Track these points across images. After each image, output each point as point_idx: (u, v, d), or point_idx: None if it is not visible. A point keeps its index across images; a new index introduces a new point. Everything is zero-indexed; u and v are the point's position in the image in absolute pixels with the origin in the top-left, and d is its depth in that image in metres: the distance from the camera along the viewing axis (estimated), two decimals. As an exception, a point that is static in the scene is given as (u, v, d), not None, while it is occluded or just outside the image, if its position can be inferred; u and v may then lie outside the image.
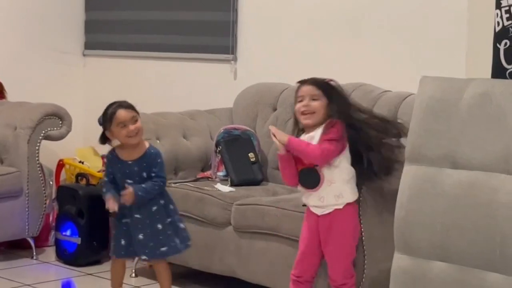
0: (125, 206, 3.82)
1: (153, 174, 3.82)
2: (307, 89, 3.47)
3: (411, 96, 4.09)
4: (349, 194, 3.48)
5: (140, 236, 3.82)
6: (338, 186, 3.45)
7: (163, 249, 3.84)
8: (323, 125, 3.44)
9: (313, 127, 3.46)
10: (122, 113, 3.78)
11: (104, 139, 3.86)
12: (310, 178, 3.45)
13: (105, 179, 3.90)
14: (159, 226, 3.83)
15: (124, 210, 3.84)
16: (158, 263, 3.91)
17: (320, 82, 3.49)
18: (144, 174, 3.82)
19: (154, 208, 3.83)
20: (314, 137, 3.44)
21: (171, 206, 3.88)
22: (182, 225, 3.89)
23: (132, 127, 3.78)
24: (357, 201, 3.54)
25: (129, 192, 3.74)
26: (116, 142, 3.88)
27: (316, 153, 3.39)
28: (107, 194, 3.82)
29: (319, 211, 3.49)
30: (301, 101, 3.47)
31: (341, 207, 3.47)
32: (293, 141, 3.42)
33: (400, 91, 4.23)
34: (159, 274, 3.93)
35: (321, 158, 3.40)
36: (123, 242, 3.86)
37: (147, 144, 3.88)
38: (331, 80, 3.53)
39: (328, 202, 3.46)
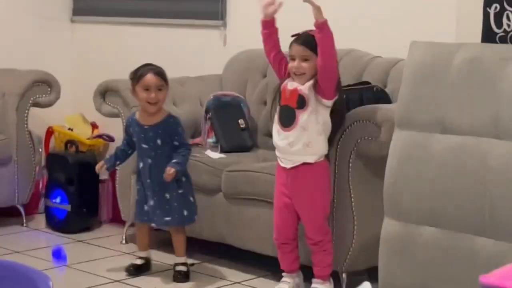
0: (140, 171, 3.89)
1: (176, 143, 3.87)
2: (298, 49, 3.52)
3: (401, 62, 4.08)
4: (319, 145, 3.52)
5: (151, 202, 3.88)
6: (310, 135, 3.49)
7: (167, 218, 3.88)
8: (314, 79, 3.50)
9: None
10: (150, 77, 3.84)
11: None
12: (286, 115, 3.52)
13: (121, 147, 4.01)
14: (167, 195, 3.86)
15: (139, 175, 3.92)
16: (174, 231, 3.97)
17: (310, 41, 3.49)
18: (159, 141, 3.86)
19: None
20: (303, 88, 3.50)
21: (184, 178, 3.90)
22: (192, 199, 3.93)
23: (153, 94, 3.83)
24: (328, 158, 3.57)
25: (172, 172, 3.78)
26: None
27: (333, 54, 3.46)
28: (105, 160, 4.03)
29: (288, 164, 3.54)
30: (293, 59, 3.52)
31: (309, 160, 3.51)
32: (328, 27, 3.43)
33: (390, 57, 4.22)
34: (175, 242, 3.98)
35: (334, 63, 3.47)
36: (146, 207, 3.92)
37: (166, 112, 3.93)
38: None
39: (296, 148, 3.50)
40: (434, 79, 3.14)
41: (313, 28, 3.49)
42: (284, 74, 3.61)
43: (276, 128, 3.58)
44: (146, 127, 3.87)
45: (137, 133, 3.90)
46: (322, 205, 3.58)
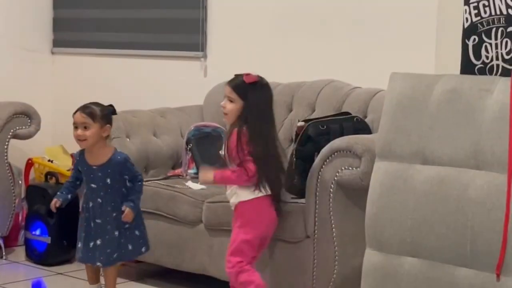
0: (87, 210, 3.81)
1: (127, 177, 3.80)
2: (227, 89, 3.65)
3: (381, 92, 4.10)
4: (245, 195, 3.60)
5: (98, 242, 3.78)
6: (233, 188, 3.63)
7: (115, 255, 3.80)
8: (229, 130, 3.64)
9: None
10: (76, 115, 3.80)
11: None
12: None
13: (69, 180, 3.94)
14: (116, 233, 3.79)
15: (87, 213, 3.82)
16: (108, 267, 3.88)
17: (239, 85, 3.60)
18: (108, 180, 3.79)
19: (114, 214, 3.79)
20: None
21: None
22: (137, 232, 3.85)
23: (79, 131, 3.77)
24: (275, 195, 3.63)
25: (127, 212, 3.76)
26: None
27: (243, 178, 3.56)
28: (56, 196, 3.89)
29: (232, 204, 3.68)
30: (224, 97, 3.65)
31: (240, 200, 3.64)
32: (218, 176, 3.62)
33: (370, 88, 4.25)
34: (106, 277, 3.88)
35: (251, 180, 3.57)
36: (79, 245, 3.84)
37: (112, 150, 3.84)
38: (259, 79, 3.61)
39: (231, 200, 3.66)
40: (414, 110, 3.16)
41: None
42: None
43: None
44: (94, 167, 3.80)
45: (86, 172, 3.82)
46: (235, 239, 3.61)
